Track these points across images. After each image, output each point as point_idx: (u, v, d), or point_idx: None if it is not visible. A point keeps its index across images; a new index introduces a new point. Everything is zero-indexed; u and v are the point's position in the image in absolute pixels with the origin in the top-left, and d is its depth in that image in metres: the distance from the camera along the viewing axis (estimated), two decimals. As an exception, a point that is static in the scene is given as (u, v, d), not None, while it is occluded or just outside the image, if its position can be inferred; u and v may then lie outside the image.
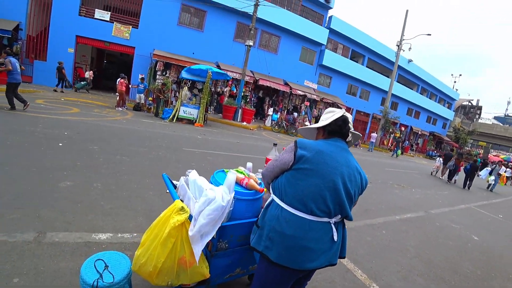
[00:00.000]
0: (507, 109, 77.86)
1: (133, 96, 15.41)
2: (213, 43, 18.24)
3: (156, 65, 16.14)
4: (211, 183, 1.70)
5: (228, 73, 14.32)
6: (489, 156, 36.58)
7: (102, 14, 15.71)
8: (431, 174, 14.05)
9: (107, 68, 22.85)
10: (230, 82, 17.57)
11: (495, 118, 63.75)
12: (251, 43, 15.66)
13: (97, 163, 4.40)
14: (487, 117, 54.88)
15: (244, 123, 15.29)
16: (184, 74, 11.43)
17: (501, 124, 50.97)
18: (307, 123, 19.50)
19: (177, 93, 12.33)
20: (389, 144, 25.99)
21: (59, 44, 15.27)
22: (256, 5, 15.61)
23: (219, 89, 17.85)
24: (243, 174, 1.90)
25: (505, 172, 17.17)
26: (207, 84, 11.33)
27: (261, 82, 18.70)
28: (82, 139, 5.67)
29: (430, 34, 23.10)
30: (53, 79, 13.83)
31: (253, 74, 18.76)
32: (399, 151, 22.20)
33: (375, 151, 21.76)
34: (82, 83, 15.25)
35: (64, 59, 14.41)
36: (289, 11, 20.63)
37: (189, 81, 12.44)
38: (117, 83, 12.09)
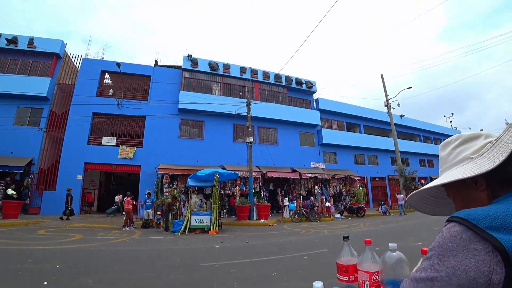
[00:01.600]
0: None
1: (141, 213, 14.81)
2: (215, 148, 18.87)
3: (163, 178, 16.28)
4: None
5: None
6: None
7: (108, 140, 17.02)
8: None
9: (115, 189, 23.03)
10: (238, 182, 17.21)
11: None
12: (251, 140, 15.99)
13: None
14: None
15: (262, 220, 14.13)
16: (190, 182, 11.07)
17: None
18: (327, 204, 18.21)
19: (186, 203, 11.69)
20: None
21: (69, 173, 16.02)
22: (248, 105, 16.69)
23: (228, 191, 17.34)
24: None
25: None
26: (215, 188, 10.82)
27: (269, 175, 18.40)
28: (75, 272, 4.80)
29: (411, 87, 24.19)
30: (61, 207, 13.75)
31: (260, 169, 18.59)
32: None
33: (409, 212, 19.69)
34: (113, 207, 15.28)
35: (73, 186, 14.91)
36: (279, 104, 22.15)
37: (196, 188, 11.98)
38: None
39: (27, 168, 15.13)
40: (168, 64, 21.39)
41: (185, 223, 10.25)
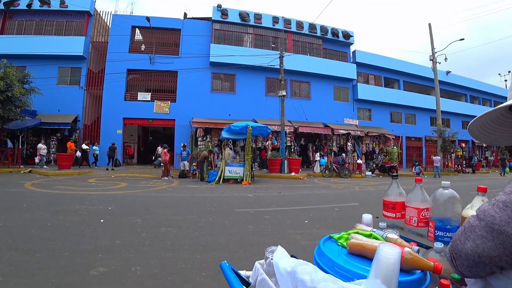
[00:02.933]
0: None
1: (177, 165, 15.81)
2: (247, 102, 18.80)
3: (197, 132, 16.87)
4: (322, 269, 0.84)
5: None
6: None
7: (144, 96, 17.63)
8: None
9: (152, 143, 24.49)
10: (270, 136, 17.35)
11: None
12: (284, 93, 15.66)
13: (139, 240, 3.80)
14: None
15: (293, 174, 14.43)
16: (224, 134, 11.36)
17: None
18: (359, 161, 17.99)
19: (220, 154, 12.17)
20: (455, 166, 22.77)
21: (110, 128, 17.27)
22: (281, 57, 16.03)
23: (260, 145, 17.63)
24: (378, 238, 1.00)
25: None
26: (248, 140, 11.04)
27: (300, 130, 18.26)
28: (125, 212, 5.42)
29: (463, 39, 21.40)
30: (106, 159, 15.36)
31: (291, 124, 18.44)
32: (507, 169, 21.69)
33: (444, 175, 18.97)
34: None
35: (115, 139, 16.20)
36: (313, 56, 21.00)
37: (230, 141, 12.31)
38: (158, 151, 12.43)
39: (73, 125, 16.54)
40: (198, 16, 20.68)
41: (219, 173, 10.77)
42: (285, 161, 15.22)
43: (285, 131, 16.74)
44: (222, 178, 10.73)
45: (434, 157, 18.93)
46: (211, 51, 18.26)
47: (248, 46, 19.66)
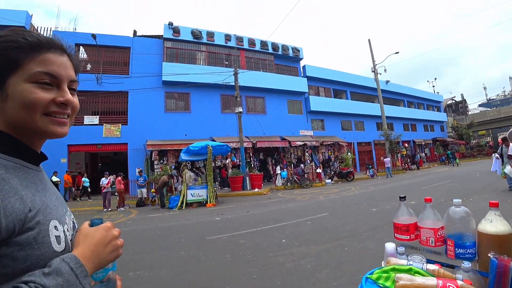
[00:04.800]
0: (486, 94, 79.91)
1: (133, 192, 14.57)
2: (203, 120, 18.36)
3: (152, 155, 15.86)
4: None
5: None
6: (499, 141, 35.64)
7: (91, 119, 16.19)
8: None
9: (103, 170, 22.38)
10: (229, 153, 17.10)
11: (480, 105, 64.64)
12: (240, 110, 15.63)
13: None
14: (472, 108, 56.68)
15: (256, 190, 14.26)
16: (183, 156, 10.82)
17: (488, 109, 52.48)
18: (318, 170, 18.58)
19: (180, 178, 11.53)
20: (402, 164, 24.93)
21: (52, 157, 15.07)
22: (235, 74, 16.09)
23: (219, 163, 17.22)
24: (420, 273, 0.91)
25: None
26: (209, 160, 10.63)
27: (259, 145, 18.35)
28: None
29: (398, 52, 24.07)
30: None
31: (249, 139, 18.45)
32: (457, 160, 25.58)
33: (395, 174, 20.52)
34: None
35: (58, 170, 14.37)
36: (265, 72, 21.58)
37: (189, 162, 11.77)
38: (101, 183, 11.23)
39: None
40: (148, 34, 19.91)
41: (181, 198, 10.16)
42: (247, 178, 15.01)
43: (244, 147, 16.64)
44: (185, 203, 10.12)
45: (384, 159, 20.38)
46: (163, 69, 17.58)
47: (201, 63, 19.43)
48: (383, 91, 27.96)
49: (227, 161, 17.15)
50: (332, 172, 19.92)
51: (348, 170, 18.51)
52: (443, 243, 1.06)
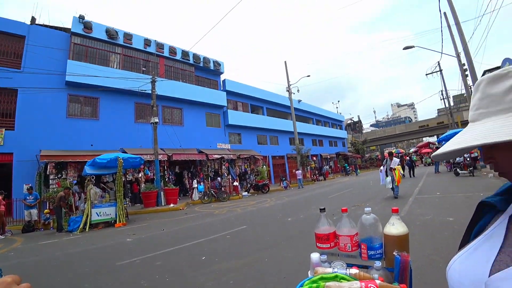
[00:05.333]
0: (375, 117, 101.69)
1: (19, 214, 11.82)
2: (113, 129, 16.48)
3: (47, 168, 13.05)
4: None
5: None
6: (385, 155, 44.44)
7: None
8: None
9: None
10: (142, 166, 15.76)
11: (371, 125, 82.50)
12: (156, 120, 14.74)
13: None
14: (365, 127, 70.27)
15: (172, 205, 13.51)
16: (88, 170, 9.41)
17: (377, 129, 66.27)
18: (235, 183, 18.85)
19: (82, 195, 9.97)
20: (311, 176, 27.68)
21: None
22: (153, 82, 15.15)
23: (130, 177, 15.65)
24: (345, 278, 0.99)
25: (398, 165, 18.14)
26: (120, 174, 9.56)
27: (175, 157, 17.56)
28: None
29: (309, 75, 27.29)
30: None
31: (165, 151, 17.49)
32: (358, 171, 31.37)
33: (305, 185, 22.52)
34: None
35: None
36: (185, 83, 21.07)
37: (93, 177, 10.31)
38: None
39: None
40: (52, 25, 16.74)
41: (84, 218, 8.73)
42: (162, 193, 14.12)
43: (159, 160, 15.67)
44: (88, 224, 8.73)
45: (296, 171, 22.17)
46: (68, 68, 15.03)
47: (115, 67, 17.60)
48: (295, 109, 30.82)
49: (140, 175, 15.75)
50: (249, 185, 20.56)
51: (264, 183, 19.40)
52: (357, 247, 1.16)
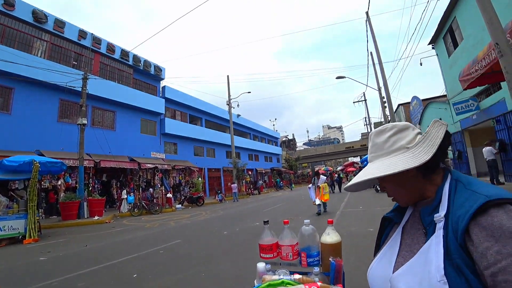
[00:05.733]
0: (308, 136, 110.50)
1: None
2: (29, 127, 14.19)
3: None
4: None
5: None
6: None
7: None
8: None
9: None
10: (63, 173, 13.93)
11: (304, 144, 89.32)
12: (84, 121, 13.32)
13: None
14: (299, 145, 75.48)
15: (96, 217, 12.21)
16: (-8, 175, 7.94)
17: (309, 147, 72.47)
18: (168, 195, 18.02)
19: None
20: (246, 189, 28.18)
21: None
22: (85, 79, 13.73)
23: (47, 185, 13.60)
24: (291, 283, 1.14)
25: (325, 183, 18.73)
26: (34, 180, 8.32)
27: (103, 164, 16.05)
28: None
29: (250, 92, 28.10)
30: None
31: (91, 157, 15.83)
32: (293, 185, 34.51)
33: (240, 199, 22.77)
34: None
35: None
36: (121, 84, 19.65)
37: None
38: None
39: None
40: None
41: (-21, 232, 7.28)
42: (85, 203, 12.66)
43: (84, 166, 14.10)
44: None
45: (232, 185, 22.34)
46: None
47: (39, 55, 15.39)
48: (234, 123, 31.33)
49: (59, 183, 13.83)
50: (183, 197, 19.90)
51: (199, 195, 19.03)
52: (298, 256, 1.28)
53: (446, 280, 0.59)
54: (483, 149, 10.86)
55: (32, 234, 7.89)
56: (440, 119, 0.85)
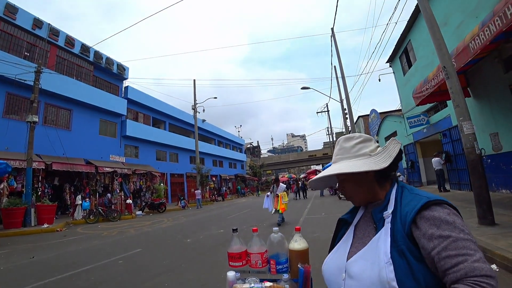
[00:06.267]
0: (272, 143, 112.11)
1: None
2: None
3: None
4: None
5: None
6: (280, 179, 49.56)
7: None
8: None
9: None
10: (7, 175, 12.55)
11: (268, 151, 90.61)
12: (35, 119, 12.22)
13: None
14: (263, 152, 76.36)
15: (45, 225, 11.14)
16: None
17: (274, 155, 74.19)
18: (128, 200, 17.08)
19: None
20: (210, 196, 27.73)
21: None
22: (38, 72, 12.61)
23: (-15, 188, 12.16)
24: None
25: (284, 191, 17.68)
26: (-28, 184, 7.40)
27: (55, 167, 14.83)
28: None
29: (216, 97, 27.99)
30: None
31: (42, 159, 14.56)
32: (259, 192, 35.59)
33: (204, 205, 22.31)
34: None
35: None
36: (80, 81, 18.39)
37: None
38: None
39: None
40: None
41: None
42: (32, 210, 11.52)
43: (33, 168, 12.88)
44: None
45: (196, 191, 21.88)
46: None
47: None
48: (199, 128, 30.87)
49: (1, 186, 12.40)
50: (144, 203, 19.04)
51: (161, 201, 18.33)
52: (267, 263, 1.29)
53: (391, 262, 0.75)
54: (432, 160, 11.97)
55: (-34, 245, 6.96)
56: (396, 135, 1.06)
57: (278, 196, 8.91)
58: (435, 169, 11.66)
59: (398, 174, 16.14)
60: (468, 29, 7.46)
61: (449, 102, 11.02)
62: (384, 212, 0.88)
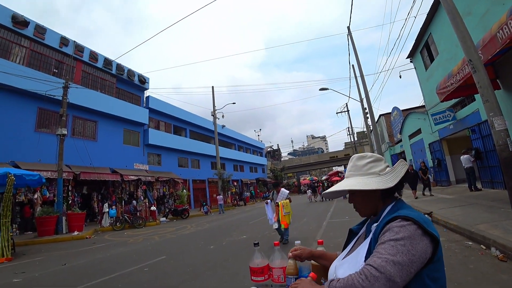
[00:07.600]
0: (293, 146, 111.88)
1: None
2: (4, 137, 13.54)
3: None
4: None
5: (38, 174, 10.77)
6: (302, 182, 48.19)
7: None
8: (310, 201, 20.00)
9: None
10: (41, 186, 13.30)
11: (289, 154, 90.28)
12: (64, 132, 12.88)
13: None
14: (284, 155, 75.99)
15: (76, 233, 11.66)
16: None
17: (294, 157, 73.53)
18: (152, 207, 17.55)
19: None
20: (232, 201, 27.91)
21: None
22: (65, 88, 13.31)
23: (22, 198, 12.93)
24: None
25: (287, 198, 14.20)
26: (9, 194, 7.89)
27: (83, 177, 15.48)
28: None
29: (234, 103, 28.25)
30: None
31: (71, 169, 15.27)
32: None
33: (226, 210, 22.45)
34: None
35: None
36: (104, 94, 19.23)
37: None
38: None
39: None
40: None
41: None
42: (63, 218, 12.11)
43: (63, 179, 13.56)
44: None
45: (218, 197, 22.04)
46: None
47: (18, 62, 14.82)
48: (219, 134, 31.22)
49: (36, 196, 13.16)
50: (167, 210, 19.43)
51: (184, 208, 18.64)
52: None
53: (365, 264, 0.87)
54: (461, 157, 11.32)
55: (5, 253, 7.41)
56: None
57: (278, 206, 6.85)
58: (465, 167, 11.03)
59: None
60: (494, 18, 7.02)
61: (477, 96, 10.45)
62: (373, 225, 1.02)
